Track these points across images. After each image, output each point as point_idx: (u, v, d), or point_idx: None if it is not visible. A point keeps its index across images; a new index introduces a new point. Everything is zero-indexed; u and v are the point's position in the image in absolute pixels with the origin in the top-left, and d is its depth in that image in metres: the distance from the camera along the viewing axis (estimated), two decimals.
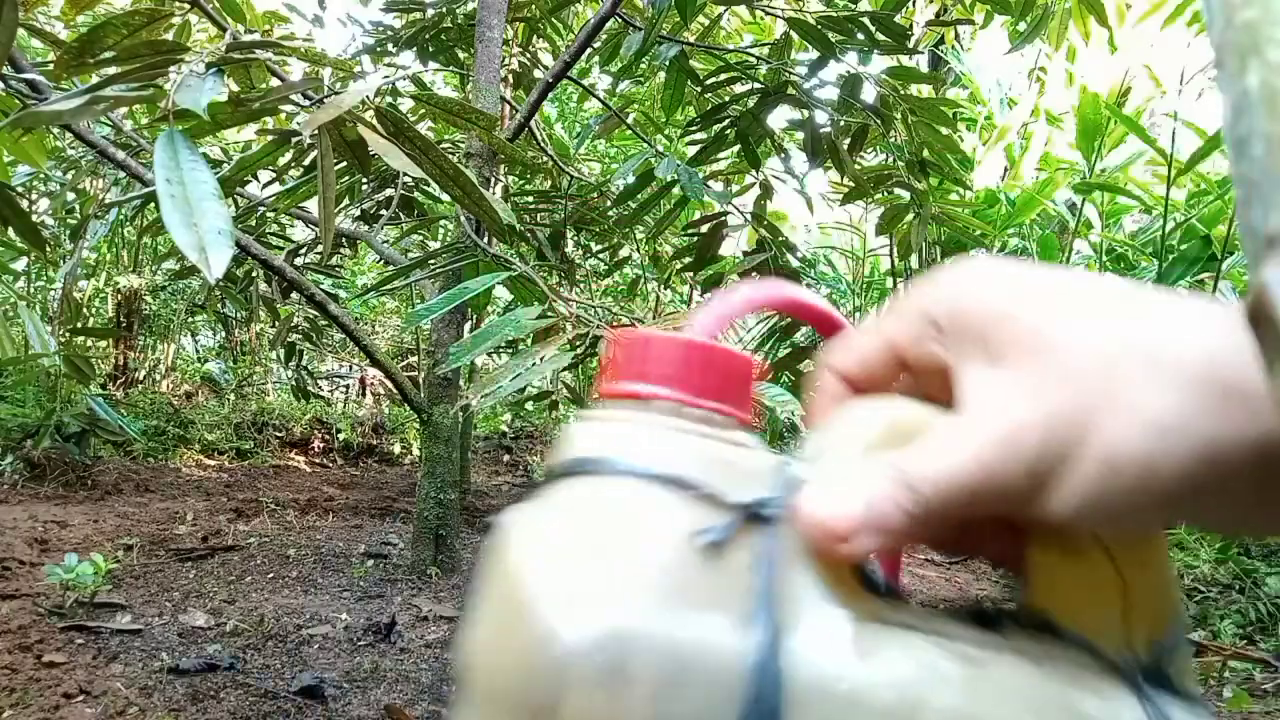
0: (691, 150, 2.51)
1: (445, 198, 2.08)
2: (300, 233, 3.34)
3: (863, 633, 0.20)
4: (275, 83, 1.25)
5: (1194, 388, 0.19)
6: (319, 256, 2.67)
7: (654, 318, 2.04)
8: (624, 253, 3.43)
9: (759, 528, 0.20)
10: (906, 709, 0.19)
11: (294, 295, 2.66)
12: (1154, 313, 0.20)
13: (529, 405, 4.43)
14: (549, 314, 1.52)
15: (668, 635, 0.18)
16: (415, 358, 4.73)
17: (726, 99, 2.38)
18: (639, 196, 2.58)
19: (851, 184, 2.47)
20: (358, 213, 2.61)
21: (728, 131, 2.36)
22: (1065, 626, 0.22)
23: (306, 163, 1.91)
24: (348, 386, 5.05)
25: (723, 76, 2.34)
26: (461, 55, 2.90)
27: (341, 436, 3.90)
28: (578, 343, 1.48)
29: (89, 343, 3.90)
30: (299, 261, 2.61)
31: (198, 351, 5.01)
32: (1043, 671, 0.21)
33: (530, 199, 2.95)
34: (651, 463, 0.20)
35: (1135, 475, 0.19)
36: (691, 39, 2.48)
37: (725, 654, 0.18)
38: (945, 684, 0.19)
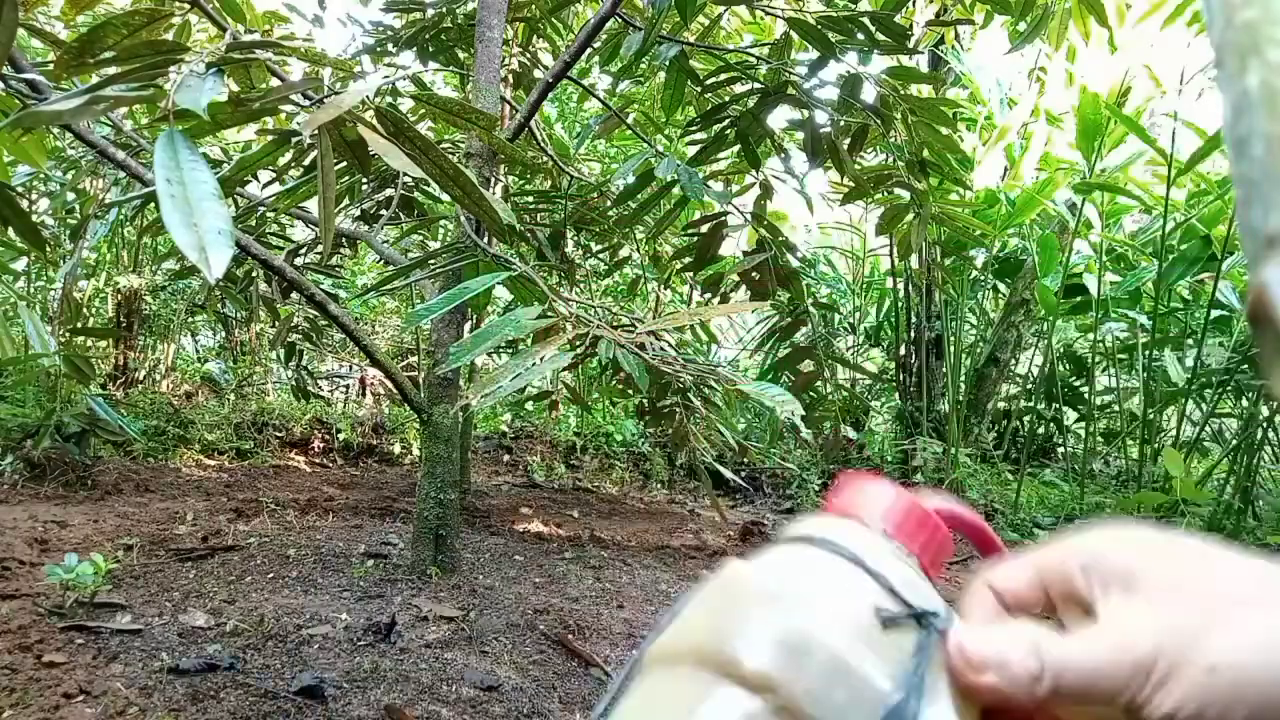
0: (691, 150, 2.51)
1: (445, 198, 2.08)
2: (300, 233, 3.34)
3: None
4: (275, 83, 1.25)
5: None
6: (319, 256, 2.67)
7: (654, 317, 2.04)
8: (624, 253, 3.43)
9: (924, 630, 0.27)
10: None
11: (294, 295, 2.66)
12: (1253, 564, 0.25)
13: (529, 405, 4.43)
14: (549, 314, 1.52)
15: (842, 649, 0.25)
16: (415, 358, 4.73)
17: (726, 99, 2.38)
18: (639, 196, 2.58)
19: (851, 184, 2.47)
20: (358, 213, 2.61)
21: (728, 131, 2.36)
22: None
23: (306, 163, 1.91)
24: (348, 386, 5.05)
25: (723, 76, 2.34)
26: (461, 55, 2.90)
27: (341, 436, 3.90)
28: (578, 343, 1.48)
29: (89, 343, 3.90)
30: (299, 261, 2.61)
31: (198, 351, 5.01)
32: None
33: (530, 199, 2.95)
34: (862, 553, 0.28)
35: (1231, 681, 0.23)
36: (691, 39, 2.48)
37: (875, 688, 0.25)
38: None
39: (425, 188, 2.63)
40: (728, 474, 2.46)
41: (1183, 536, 0.28)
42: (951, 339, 4.12)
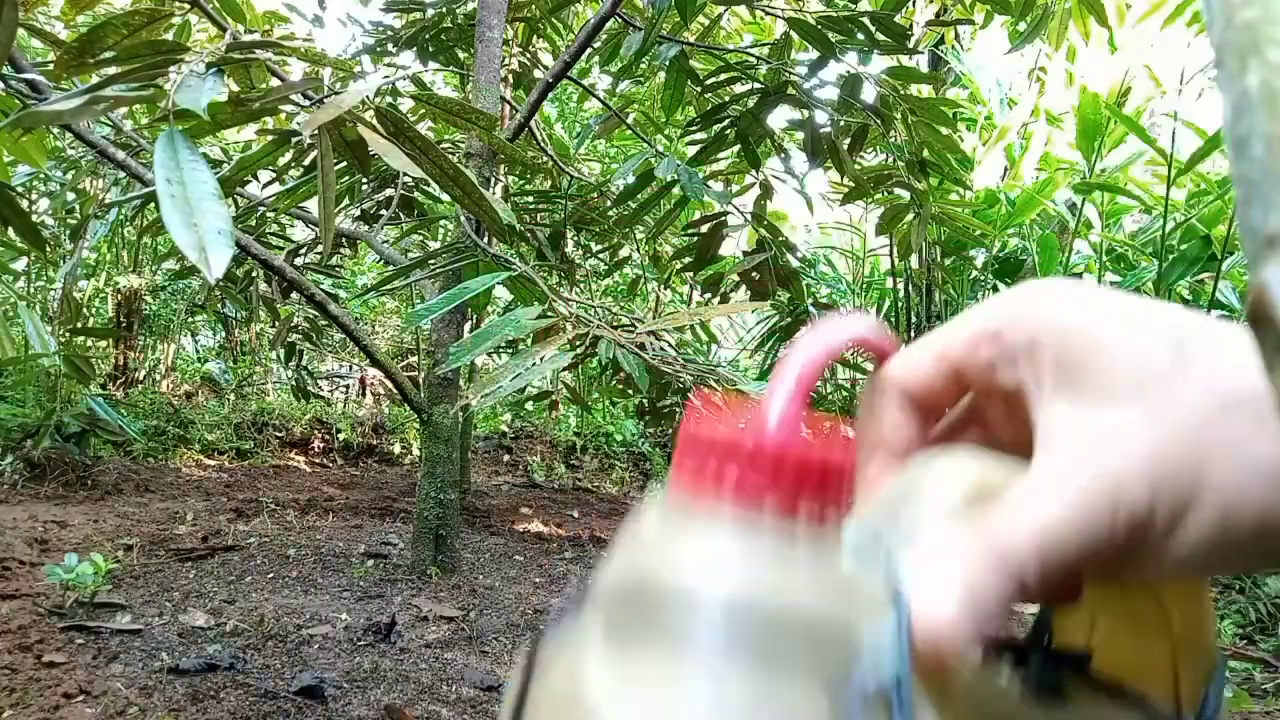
0: (691, 150, 2.51)
1: (445, 198, 2.08)
2: (300, 233, 3.34)
3: None
4: (275, 83, 1.25)
5: None
6: (319, 256, 2.67)
7: (654, 317, 2.04)
8: (624, 253, 3.43)
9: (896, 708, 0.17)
10: None
11: (294, 295, 2.66)
12: (1235, 351, 0.19)
13: (529, 405, 4.43)
14: (549, 314, 1.52)
15: None
16: (415, 358, 4.73)
17: (726, 99, 2.38)
18: (639, 196, 2.58)
19: (851, 184, 2.47)
20: (358, 213, 2.61)
21: (728, 131, 2.36)
22: (1122, 682, 0.21)
23: (306, 163, 1.91)
24: (348, 386, 5.05)
25: (723, 76, 2.34)
26: (461, 55, 2.90)
27: (341, 436, 3.90)
28: (578, 343, 1.48)
29: (89, 343, 3.90)
30: (299, 261, 2.61)
31: (198, 351, 5.01)
32: None
33: (530, 199, 2.95)
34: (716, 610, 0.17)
35: (1252, 526, 0.18)
36: (691, 39, 2.48)
37: None
38: None
39: (425, 188, 2.63)
40: None
41: (1120, 294, 0.20)
42: None
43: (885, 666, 0.17)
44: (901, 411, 0.23)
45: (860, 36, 2.03)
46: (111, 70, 0.97)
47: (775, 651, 0.16)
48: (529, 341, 2.00)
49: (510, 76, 2.90)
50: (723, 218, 2.55)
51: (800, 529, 0.18)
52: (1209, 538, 0.18)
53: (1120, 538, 0.18)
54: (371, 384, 4.85)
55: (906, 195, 2.57)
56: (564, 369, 2.40)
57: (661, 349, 1.71)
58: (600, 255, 3.46)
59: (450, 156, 1.11)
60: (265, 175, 2.53)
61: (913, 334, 4.44)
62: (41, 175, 2.81)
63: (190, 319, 4.67)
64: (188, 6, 1.50)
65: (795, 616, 0.17)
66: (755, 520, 0.18)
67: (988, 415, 0.23)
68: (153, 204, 2.40)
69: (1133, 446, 0.18)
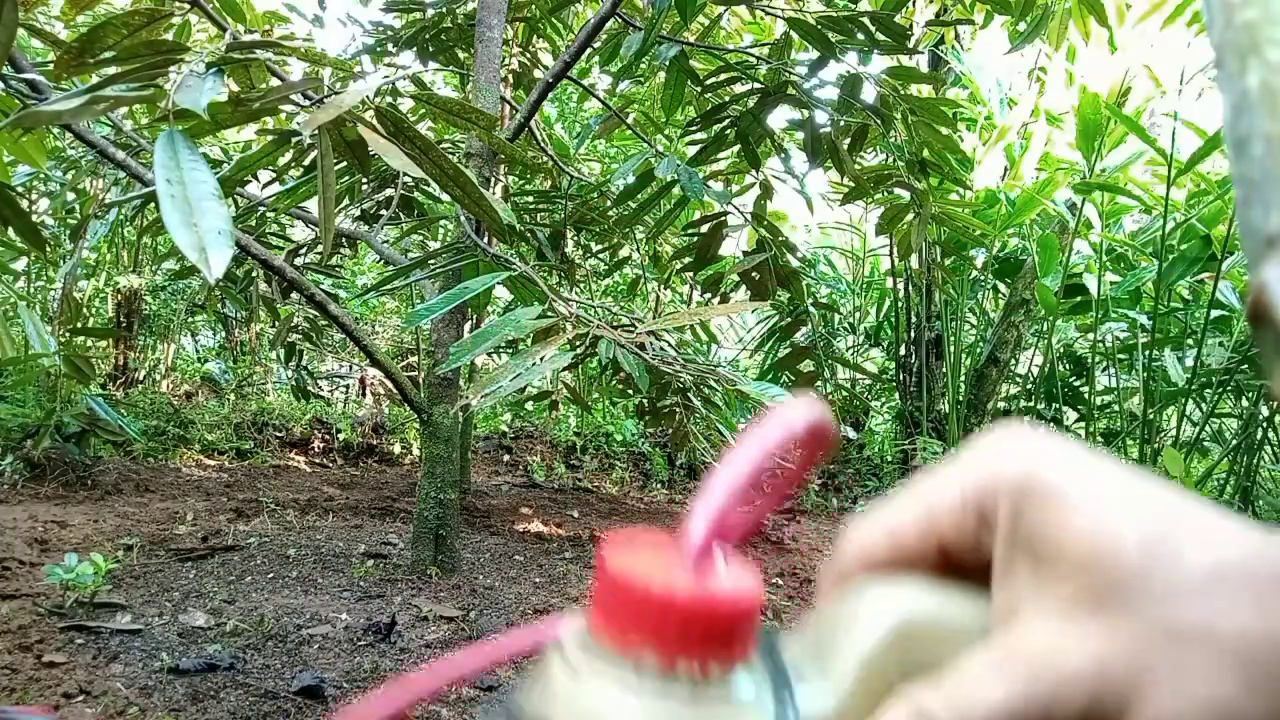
0: (691, 150, 2.51)
1: (445, 198, 2.08)
2: (300, 233, 3.34)
3: None
4: (275, 83, 1.25)
5: (1248, 672, 0.18)
6: (319, 256, 2.67)
7: (654, 317, 2.03)
8: (624, 253, 3.43)
9: None
10: None
11: (294, 295, 2.66)
12: (1218, 569, 0.19)
13: (529, 405, 4.43)
14: (549, 314, 1.52)
15: None
16: (415, 358, 4.73)
17: (726, 99, 2.38)
18: (639, 196, 2.58)
19: (851, 184, 2.47)
20: (358, 213, 2.61)
21: (728, 131, 2.36)
22: None
23: (306, 163, 1.91)
24: (348, 386, 5.05)
25: (723, 76, 2.35)
26: (461, 55, 2.90)
27: (341, 436, 3.90)
28: (578, 343, 1.48)
29: (89, 343, 3.90)
30: (299, 261, 2.61)
31: (198, 351, 5.01)
32: None
33: (530, 199, 2.95)
34: None
35: None
36: (691, 39, 2.48)
37: None
38: None
39: (425, 188, 2.63)
40: None
41: (1107, 466, 0.20)
42: (951, 339, 4.12)
43: None
44: (859, 568, 0.24)
45: (860, 36, 2.03)
46: (111, 70, 0.97)
47: None
48: (529, 341, 2.00)
49: (510, 76, 2.90)
50: (723, 218, 2.55)
51: (701, 679, 0.20)
52: None
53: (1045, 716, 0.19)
54: (371, 384, 4.85)
55: (906, 195, 2.57)
56: (564, 369, 2.40)
57: (661, 349, 1.71)
58: (600, 255, 3.46)
59: (450, 156, 1.11)
60: (265, 175, 2.53)
61: (913, 334, 4.44)
62: (41, 175, 2.81)
63: (190, 319, 4.67)
64: (188, 6, 1.50)
65: None
66: (656, 674, 0.20)
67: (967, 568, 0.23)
68: (153, 204, 2.40)
69: (1084, 654, 0.19)
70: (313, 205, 2.26)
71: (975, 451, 0.22)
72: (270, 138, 1.62)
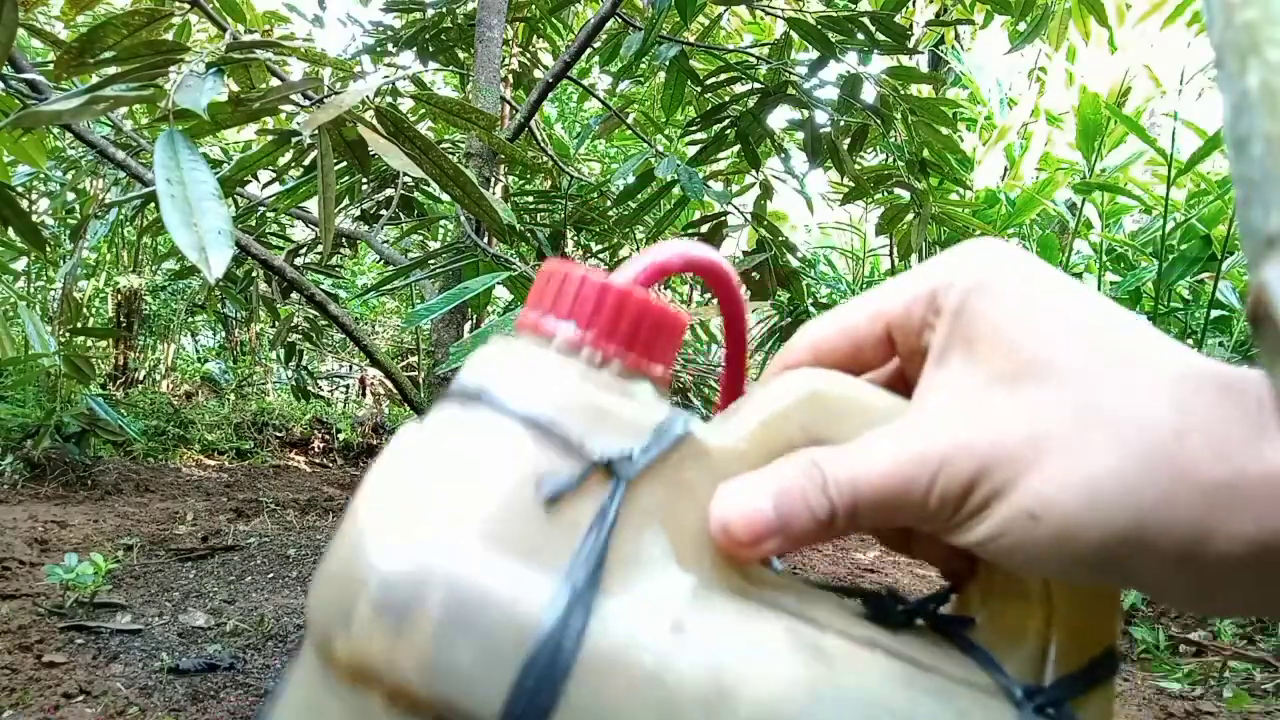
0: (691, 150, 2.51)
1: (445, 198, 2.08)
2: (300, 233, 3.34)
3: (703, 606, 0.19)
4: (275, 83, 1.25)
5: (1147, 457, 0.18)
6: (319, 256, 2.67)
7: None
8: (624, 253, 3.43)
9: (613, 483, 0.19)
10: (713, 696, 0.17)
11: (294, 295, 2.66)
12: (1143, 369, 0.19)
13: None
14: None
15: (471, 580, 0.17)
16: (415, 358, 4.73)
17: (726, 99, 2.38)
18: (639, 196, 2.58)
19: (851, 184, 2.47)
20: (358, 213, 2.61)
21: (728, 131, 2.36)
22: (972, 638, 0.21)
23: (306, 163, 1.91)
24: (348, 386, 5.05)
25: (723, 76, 2.34)
26: (461, 55, 2.90)
27: (341, 436, 3.90)
28: None
29: (89, 343, 3.90)
30: (299, 261, 2.61)
31: (198, 351, 5.01)
32: (907, 680, 0.19)
33: (530, 199, 2.95)
34: (520, 403, 0.19)
35: (1053, 531, 0.18)
36: (691, 39, 2.48)
37: (525, 607, 0.17)
38: (769, 676, 0.18)
39: (425, 188, 2.63)
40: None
41: (1061, 277, 0.21)
42: None
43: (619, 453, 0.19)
44: (807, 353, 0.24)
45: (860, 36, 2.03)
46: (111, 70, 0.97)
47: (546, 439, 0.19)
48: None
49: (510, 76, 2.90)
50: (723, 218, 2.55)
51: (601, 364, 0.21)
52: (1009, 530, 0.19)
53: (930, 504, 0.19)
54: (371, 384, 4.85)
55: (906, 195, 2.57)
56: None
57: None
58: (600, 255, 3.45)
59: (450, 156, 1.11)
60: (265, 175, 2.53)
61: None
62: (41, 175, 2.81)
63: (190, 319, 4.67)
64: (188, 6, 1.50)
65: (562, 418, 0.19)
66: (562, 349, 0.21)
67: (910, 376, 0.22)
68: (153, 204, 2.40)
69: (986, 424, 0.19)
70: (313, 205, 2.26)
71: (942, 256, 0.22)
72: (270, 138, 1.62)
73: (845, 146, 2.37)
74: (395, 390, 2.65)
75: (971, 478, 0.19)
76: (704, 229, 2.59)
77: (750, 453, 0.21)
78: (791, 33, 2.13)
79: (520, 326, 0.22)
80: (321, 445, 3.86)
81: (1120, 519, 0.18)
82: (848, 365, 0.23)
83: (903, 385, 0.23)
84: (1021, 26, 2.37)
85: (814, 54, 2.12)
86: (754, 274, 2.45)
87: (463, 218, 1.90)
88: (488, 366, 0.20)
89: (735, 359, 0.27)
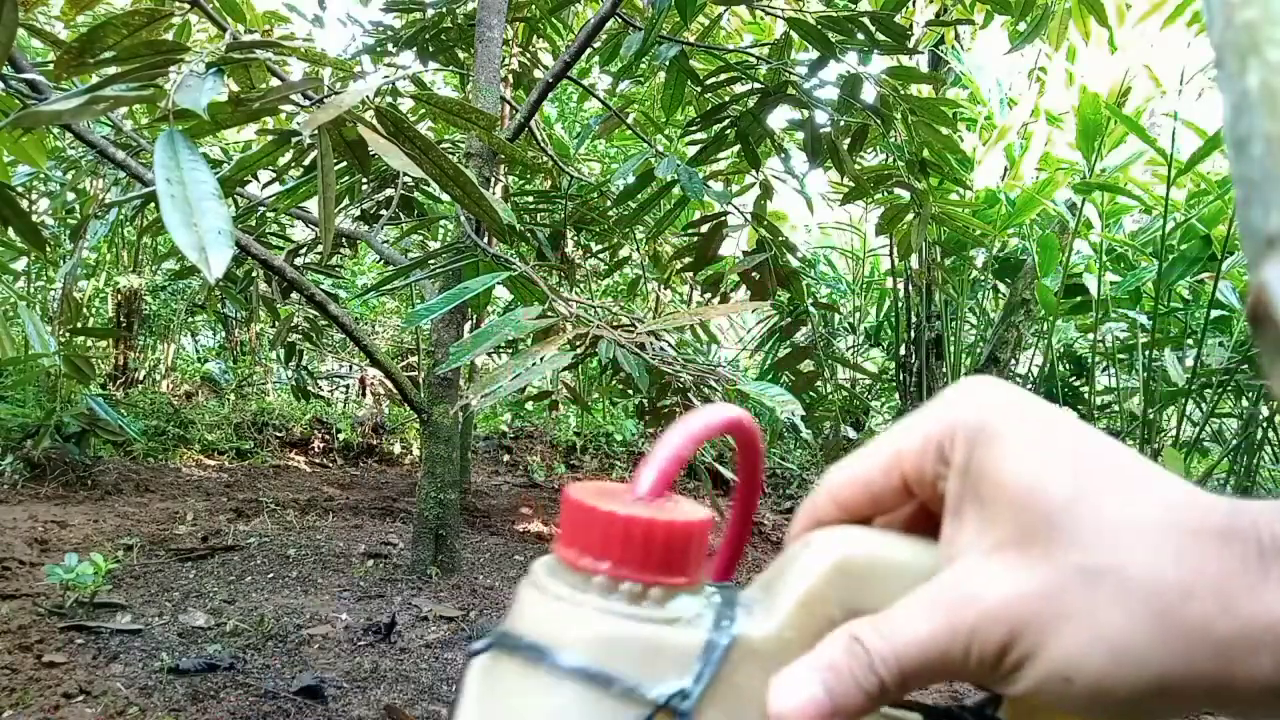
0: (691, 150, 2.51)
1: (445, 198, 2.08)
2: (300, 233, 3.34)
3: None
4: (275, 83, 1.25)
5: (1160, 619, 0.19)
6: (319, 256, 2.67)
7: (654, 317, 2.03)
8: (624, 253, 3.43)
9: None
10: None
11: (294, 295, 2.66)
12: (1144, 521, 0.20)
13: (529, 405, 4.43)
14: (549, 314, 1.52)
15: None
16: (415, 358, 4.73)
17: (726, 99, 2.38)
18: (639, 196, 2.58)
19: (851, 184, 2.47)
20: (358, 213, 2.61)
21: (728, 131, 2.36)
22: None
23: (306, 163, 1.91)
24: (348, 386, 5.05)
25: (723, 76, 2.34)
26: (461, 55, 2.90)
27: (341, 436, 3.90)
28: (578, 343, 1.48)
29: (89, 343, 3.90)
30: (299, 261, 2.61)
31: (198, 351, 5.01)
32: None
33: (530, 199, 2.95)
34: (577, 657, 0.21)
35: (1087, 691, 0.20)
36: (691, 39, 2.48)
37: None
38: None
39: (425, 188, 2.63)
40: (728, 474, 2.46)
41: (1051, 414, 0.22)
42: (951, 339, 4.12)
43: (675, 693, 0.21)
44: (831, 508, 0.25)
45: (860, 36, 2.03)
46: (111, 70, 0.97)
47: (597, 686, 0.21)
48: (529, 341, 2.00)
49: (510, 76, 2.90)
50: (723, 218, 2.55)
51: (642, 595, 0.22)
52: (1046, 689, 0.20)
53: (970, 666, 0.21)
54: (371, 384, 4.85)
55: (906, 195, 2.57)
56: (564, 369, 2.40)
57: (661, 349, 1.70)
58: (600, 255, 3.45)
59: (450, 156, 1.11)
60: (265, 175, 2.53)
61: (912, 333, 4.44)
62: (41, 175, 2.81)
63: (190, 319, 4.67)
64: (188, 6, 1.50)
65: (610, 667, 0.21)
66: (601, 589, 0.22)
67: (933, 511, 0.24)
68: (153, 204, 2.40)
69: (1006, 591, 0.20)
70: (313, 205, 2.26)
71: (942, 399, 0.24)
72: (270, 138, 1.62)
73: (845, 146, 2.37)
74: (395, 390, 2.65)
75: (1002, 644, 0.20)
76: (704, 229, 2.59)
77: (795, 639, 0.22)
78: (791, 33, 2.12)
79: (559, 558, 0.23)
80: (321, 445, 3.87)
81: (1145, 676, 0.19)
82: (871, 511, 0.25)
83: (926, 522, 0.24)
84: (1021, 26, 2.37)
85: (814, 54, 2.12)
86: (754, 274, 2.45)
87: (463, 218, 1.90)
88: (542, 620, 0.22)
89: (743, 512, 0.28)
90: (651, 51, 2.18)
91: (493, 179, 2.19)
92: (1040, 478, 0.21)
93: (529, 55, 2.99)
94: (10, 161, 1.78)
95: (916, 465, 0.23)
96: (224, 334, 4.80)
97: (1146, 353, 3.57)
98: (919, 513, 0.24)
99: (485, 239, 1.93)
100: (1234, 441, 3.37)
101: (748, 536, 0.28)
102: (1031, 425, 0.22)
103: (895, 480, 0.24)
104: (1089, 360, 4.01)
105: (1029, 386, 4.55)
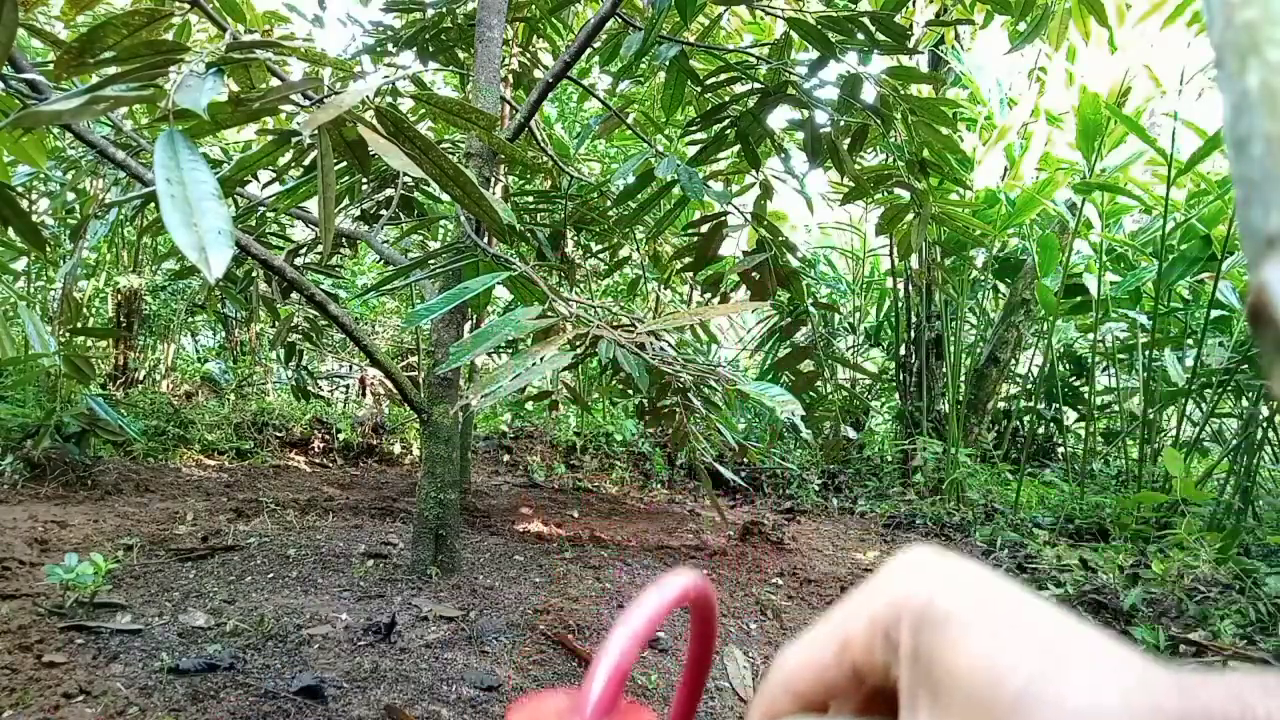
0: (691, 150, 2.51)
1: (445, 198, 2.08)
2: (300, 233, 3.35)
3: None
4: (275, 83, 1.25)
5: None
6: (319, 256, 2.67)
7: (654, 317, 2.03)
8: (624, 253, 3.43)
9: None
10: None
11: (294, 295, 2.66)
12: (1107, 716, 0.19)
13: (529, 405, 4.43)
14: (549, 314, 1.52)
15: None
16: (415, 358, 4.74)
17: (726, 99, 2.38)
18: (639, 196, 2.58)
19: (851, 184, 2.47)
20: (358, 213, 2.61)
21: (728, 131, 2.36)
22: None
23: (306, 163, 1.91)
24: (348, 386, 5.05)
25: (723, 76, 2.35)
26: (461, 55, 2.90)
27: (341, 436, 3.90)
28: (578, 343, 1.48)
29: (89, 343, 3.90)
30: (299, 261, 2.61)
31: (198, 351, 5.01)
32: None
33: (530, 199, 2.95)
34: None
35: None
36: (691, 39, 2.48)
37: None
38: None
39: (425, 188, 2.63)
40: (728, 474, 2.46)
41: (999, 590, 0.22)
42: (951, 339, 4.12)
43: None
44: (786, 699, 0.25)
45: (860, 36, 2.03)
46: (111, 70, 0.97)
47: None
48: (529, 341, 2.00)
49: (510, 76, 2.90)
50: (723, 218, 2.55)
51: None
52: None
53: None
54: (371, 384, 4.85)
55: (906, 195, 2.58)
56: (564, 369, 2.40)
57: (661, 349, 1.70)
58: (600, 255, 3.46)
59: (450, 156, 1.12)
60: (265, 175, 2.53)
61: (912, 333, 4.44)
62: (41, 175, 2.81)
63: (190, 319, 4.67)
64: (188, 6, 1.50)
65: None
66: None
67: (888, 692, 0.24)
68: (153, 204, 2.40)
69: None
70: (313, 205, 2.26)
71: (883, 575, 0.23)
72: (270, 138, 1.62)
73: (845, 146, 2.37)
74: (395, 390, 2.65)
75: None
76: (704, 229, 2.59)
77: None
78: (791, 33, 2.13)
79: None
80: (321, 445, 3.87)
81: None
82: (826, 698, 0.24)
83: (884, 705, 0.24)
84: (1021, 26, 2.37)
85: (814, 54, 2.12)
86: (754, 274, 2.45)
87: (463, 218, 1.90)
88: None
89: (693, 679, 0.28)
90: (651, 51, 2.18)
91: (493, 179, 2.19)
92: (994, 663, 0.20)
93: (529, 55, 3.00)
94: (10, 161, 1.78)
95: (865, 652, 0.23)
96: (224, 334, 4.81)
97: (1146, 353, 3.57)
98: (875, 695, 0.24)
99: (485, 239, 1.93)
100: (1234, 441, 3.37)
101: (697, 703, 0.29)
102: (979, 603, 0.21)
103: (846, 668, 0.23)
104: (1089, 360, 4.01)
105: (1029, 386, 4.55)
